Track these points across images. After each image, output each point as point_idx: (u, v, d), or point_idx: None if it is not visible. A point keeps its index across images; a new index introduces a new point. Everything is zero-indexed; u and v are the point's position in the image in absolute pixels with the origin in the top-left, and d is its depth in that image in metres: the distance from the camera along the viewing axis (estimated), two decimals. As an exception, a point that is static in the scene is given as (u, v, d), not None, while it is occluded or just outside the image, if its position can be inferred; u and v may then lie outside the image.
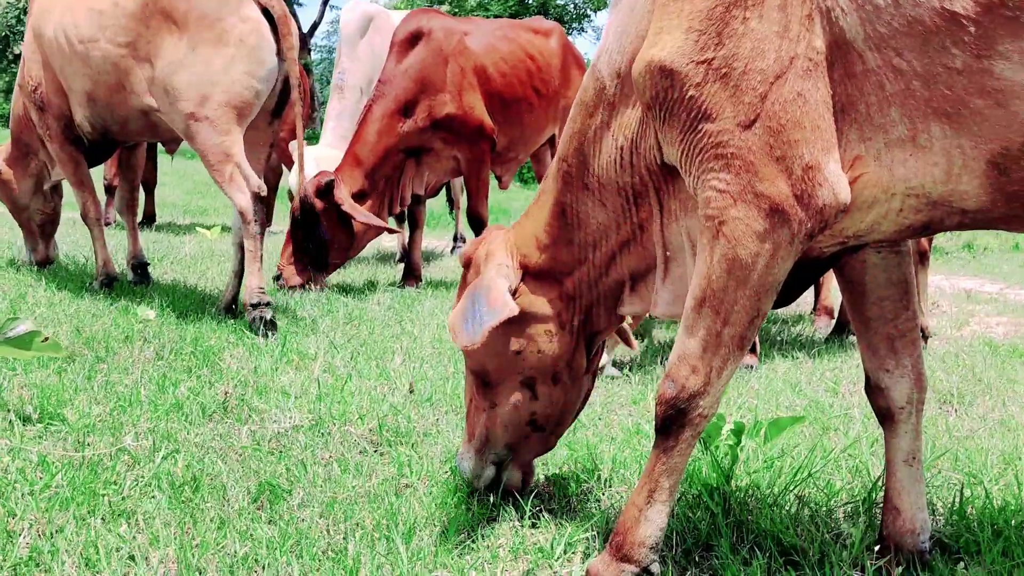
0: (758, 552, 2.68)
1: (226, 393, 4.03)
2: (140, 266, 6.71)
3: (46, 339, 3.57)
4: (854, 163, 2.26)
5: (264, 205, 5.50)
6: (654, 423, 2.50)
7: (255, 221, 5.41)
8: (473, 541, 2.76)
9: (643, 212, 2.65)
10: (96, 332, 4.99)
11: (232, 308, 5.77)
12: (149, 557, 2.62)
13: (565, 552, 2.74)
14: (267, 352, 4.79)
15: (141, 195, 10.24)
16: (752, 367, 5.03)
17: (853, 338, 5.89)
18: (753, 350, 5.14)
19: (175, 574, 2.55)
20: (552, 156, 7.81)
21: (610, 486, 3.25)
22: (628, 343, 3.55)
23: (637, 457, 3.49)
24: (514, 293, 2.76)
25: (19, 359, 3.69)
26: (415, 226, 7.85)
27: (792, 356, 5.49)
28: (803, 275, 2.54)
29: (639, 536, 2.48)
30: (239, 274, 5.76)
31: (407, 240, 8.10)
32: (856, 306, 2.69)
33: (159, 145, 11.97)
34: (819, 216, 2.26)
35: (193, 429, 3.65)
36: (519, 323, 2.76)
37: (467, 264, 2.95)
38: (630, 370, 4.97)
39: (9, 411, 3.61)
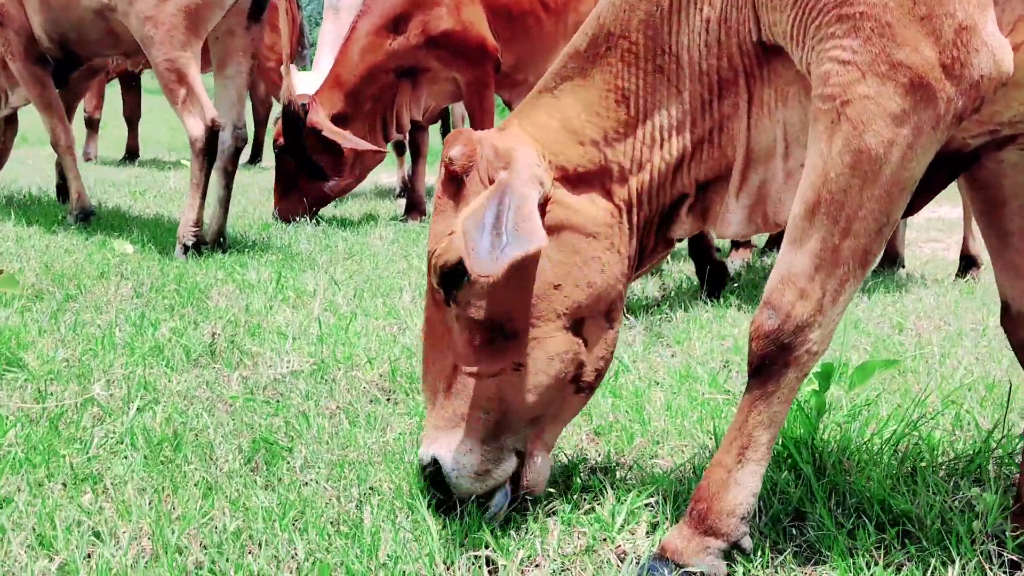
0: (866, 520, 2.19)
1: (214, 334, 3.51)
2: (84, 215, 5.99)
3: (0, 272, 3.03)
4: (1016, 26, 1.76)
5: (243, 141, 5.29)
6: (748, 363, 1.99)
7: (202, 154, 5.07)
8: (515, 509, 2.26)
9: (726, 105, 2.11)
10: (67, 268, 4.46)
11: (220, 241, 5.24)
12: (118, 533, 2.12)
13: (627, 523, 2.24)
14: (260, 289, 4.27)
15: (121, 131, 9.68)
16: None
17: (903, 271, 5.39)
18: None
19: (150, 554, 2.05)
20: None
21: (667, 440, 2.75)
22: None
23: (694, 405, 2.98)
24: (545, 204, 2.10)
25: (-30, 295, 3.14)
26: (417, 156, 7.28)
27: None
28: (936, 176, 2.02)
29: (728, 504, 1.99)
30: (224, 202, 5.24)
31: (408, 171, 7.54)
32: (991, 217, 2.18)
33: (142, 81, 11.35)
34: (973, 92, 1.76)
35: (175, 376, 3.13)
36: (560, 243, 2.13)
37: (465, 169, 2.12)
38: (670, 308, 4.46)
39: (-42, 355, 3.09)
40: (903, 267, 5.83)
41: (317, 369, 3.24)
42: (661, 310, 4.41)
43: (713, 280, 4.74)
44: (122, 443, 2.59)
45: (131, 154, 10.71)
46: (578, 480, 2.46)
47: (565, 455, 2.61)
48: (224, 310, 3.87)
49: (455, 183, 2.15)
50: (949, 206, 9.92)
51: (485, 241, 1.90)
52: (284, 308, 4.02)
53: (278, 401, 2.98)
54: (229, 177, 5.24)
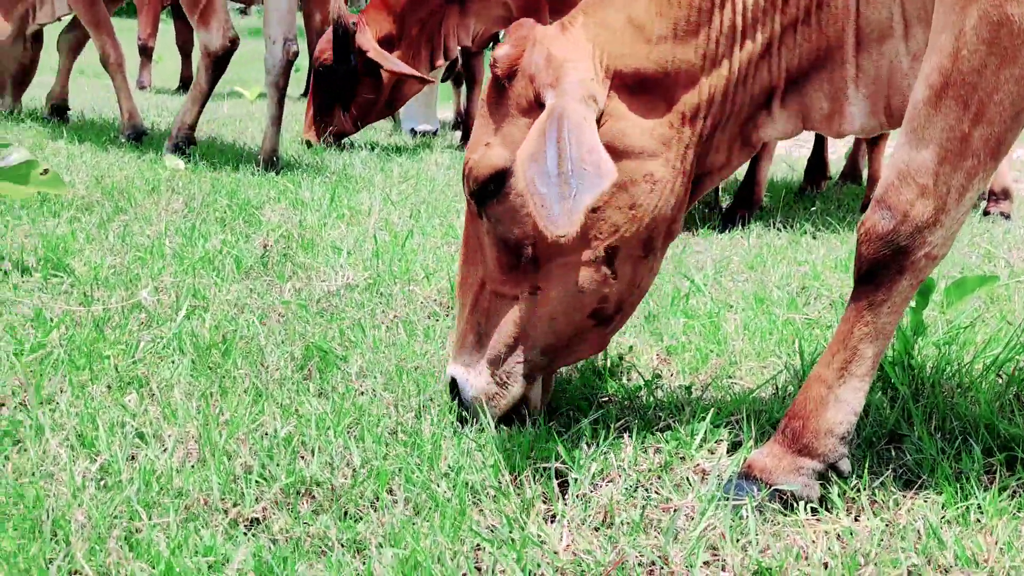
0: (972, 444, 1.99)
1: (265, 247, 3.37)
2: (58, 109, 5.96)
3: (46, 171, 2.91)
4: None
5: (294, 55, 5.12)
6: (855, 268, 1.79)
7: (213, 68, 5.10)
8: (586, 424, 2.10)
9: None
10: (118, 182, 4.34)
11: (273, 160, 5.09)
12: (163, 435, 1.99)
13: (705, 441, 2.07)
14: (313, 207, 4.12)
15: (177, 63, 9.47)
16: None
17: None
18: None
19: (196, 457, 1.92)
20: None
21: (745, 361, 2.57)
22: None
23: (773, 328, 2.79)
24: (599, 119, 1.88)
25: (16, 197, 3.02)
26: (473, 83, 7.03)
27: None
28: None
29: (826, 422, 1.80)
30: (276, 120, 5.09)
31: (464, 101, 7.30)
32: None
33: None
34: None
35: (225, 286, 3.00)
36: None
37: (510, 73, 1.94)
38: (743, 226, 4.23)
39: (3, 260, 2.97)
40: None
41: (372, 283, 3.09)
42: (732, 235, 4.19)
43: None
44: (169, 348, 2.46)
45: (186, 84, 10.57)
46: (651, 398, 2.29)
47: (637, 371, 2.43)
48: (277, 225, 3.72)
49: (498, 88, 1.96)
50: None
51: (554, 192, 1.68)
52: (338, 224, 3.87)
53: (332, 312, 2.84)
54: (281, 93, 5.08)
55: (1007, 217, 4.84)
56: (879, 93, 1.91)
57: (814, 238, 4.19)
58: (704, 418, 2.11)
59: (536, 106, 1.89)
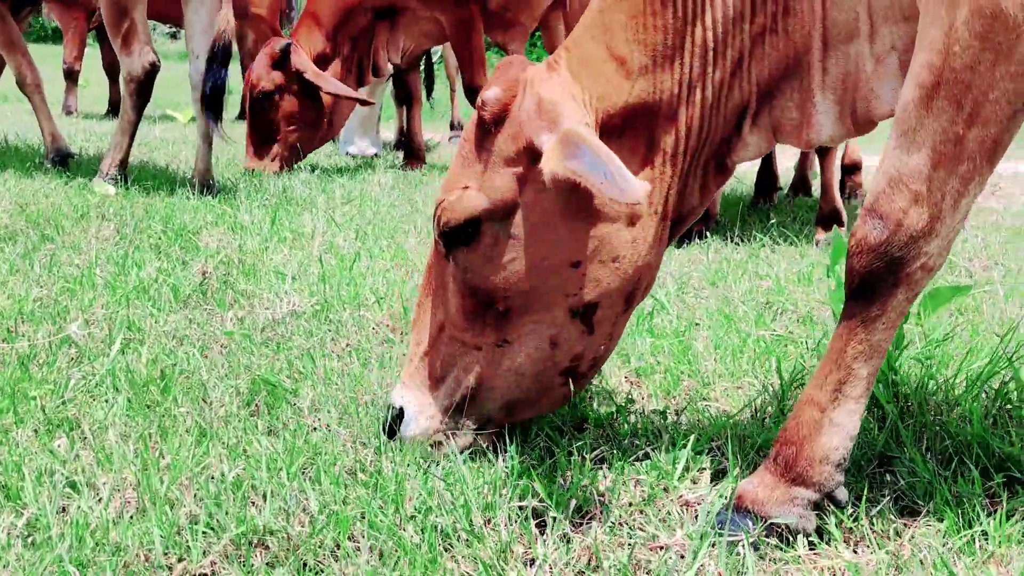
0: (968, 464, 1.89)
1: (204, 274, 3.18)
2: (61, 157, 5.55)
3: (-37, 198, 2.68)
4: None
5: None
6: (846, 283, 1.68)
7: (137, 94, 4.88)
8: (561, 455, 1.95)
9: None
10: (44, 209, 4.11)
11: (208, 182, 4.89)
12: (97, 483, 1.81)
13: (688, 470, 1.94)
14: (253, 231, 3.93)
15: (96, 81, 9.20)
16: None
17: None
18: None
19: (135, 507, 1.74)
20: (563, 22, 6.77)
21: (718, 381, 2.45)
22: None
23: (744, 345, 2.67)
24: None
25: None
26: (412, 100, 6.87)
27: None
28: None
29: (821, 448, 1.68)
30: (207, 137, 4.92)
31: (405, 119, 7.12)
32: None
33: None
34: None
35: (161, 316, 2.80)
36: (589, 213, 1.77)
37: (498, 119, 1.80)
38: (700, 241, 4.13)
39: (-82, 293, 2.75)
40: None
41: (320, 309, 2.92)
42: (690, 250, 4.08)
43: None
44: (102, 385, 2.27)
45: (115, 107, 10.25)
46: (625, 425, 2.15)
47: (608, 395, 2.30)
48: (215, 250, 3.53)
49: (483, 131, 1.83)
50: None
51: (603, 170, 1.58)
52: (281, 248, 3.69)
53: (278, 342, 2.66)
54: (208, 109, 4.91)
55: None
56: (845, 99, 1.81)
57: (772, 251, 4.11)
58: (684, 445, 1.98)
59: (524, 156, 1.78)
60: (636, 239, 1.81)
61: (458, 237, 1.82)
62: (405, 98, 6.94)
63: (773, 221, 4.58)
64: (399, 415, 1.93)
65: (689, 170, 1.86)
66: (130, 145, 5.00)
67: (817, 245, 4.30)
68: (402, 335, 2.77)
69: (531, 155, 1.75)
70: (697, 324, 2.96)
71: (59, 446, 1.93)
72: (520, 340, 1.85)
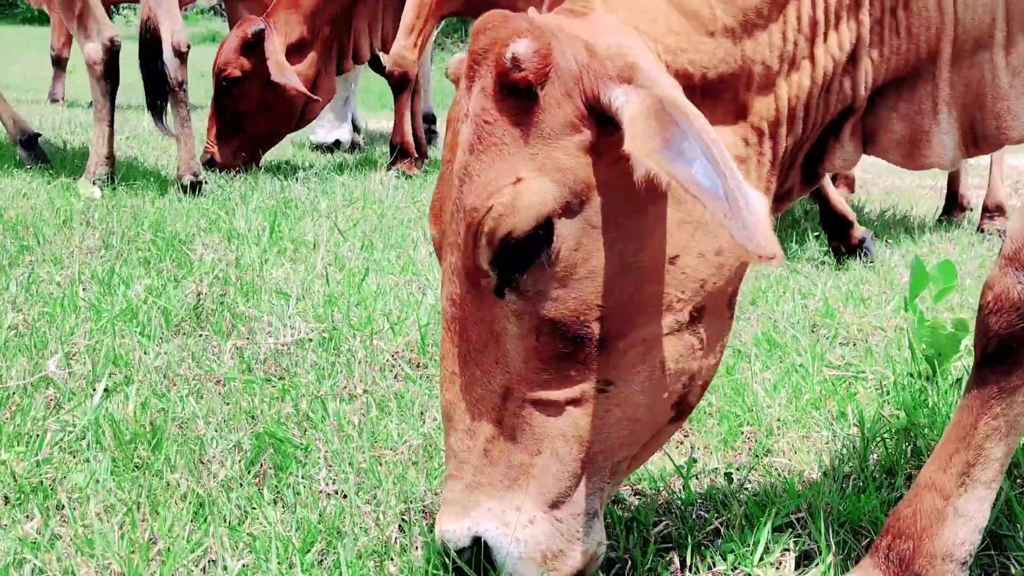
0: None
1: (199, 294, 2.88)
2: (28, 140, 5.24)
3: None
4: None
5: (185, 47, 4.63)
6: (977, 345, 1.39)
7: (103, 78, 4.62)
8: (618, 530, 1.67)
9: None
10: (24, 213, 3.80)
11: (195, 178, 4.57)
12: (77, 574, 1.51)
13: (767, 551, 1.66)
14: (250, 240, 3.63)
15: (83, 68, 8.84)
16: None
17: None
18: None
19: (121, 609, 1.45)
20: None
21: (782, 430, 2.17)
22: None
23: (804, 384, 2.39)
24: None
25: None
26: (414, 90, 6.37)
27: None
28: None
29: (944, 543, 1.41)
30: (186, 121, 4.68)
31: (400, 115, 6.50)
32: None
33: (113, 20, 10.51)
34: None
35: (152, 347, 2.51)
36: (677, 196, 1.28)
37: (523, 83, 1.32)
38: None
39: None
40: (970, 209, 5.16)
41: (328, 338, 2.63)
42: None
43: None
44: (83, 440, 1.97)
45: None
46: (687, 489, 1.87)
47: (662, 450, 2.02)
48: (210, 265, 3.23)
49: (519, 99, 1.32)
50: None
51: (726, 203, 1.18)
52: (281, 261, 3.39)
53: (282, 378, 2.37)
54: (179, 90, 4.66)
55: (1002, 233, 4.54)
56: (970, 116, 1.52)
57: (817, 266, 3.83)
58: (761, 520, 1.70)
59: (589, 119, 1.32)
60: None
61: (523, 253, 1.33)
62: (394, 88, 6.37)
63: (804, 228, 4.30)
64: (475, 546, 1.38)
65: (788, 161, 1.53)
66: (111, 136, 4.67)
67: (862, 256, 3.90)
68: (421, 368, 2.49)
69: (597, 116, 1.32)
70: (741, 352, 2.68)
71: (29, 528, 1.63)
72: (628, 374, 1.38)
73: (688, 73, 1.40)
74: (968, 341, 2.24)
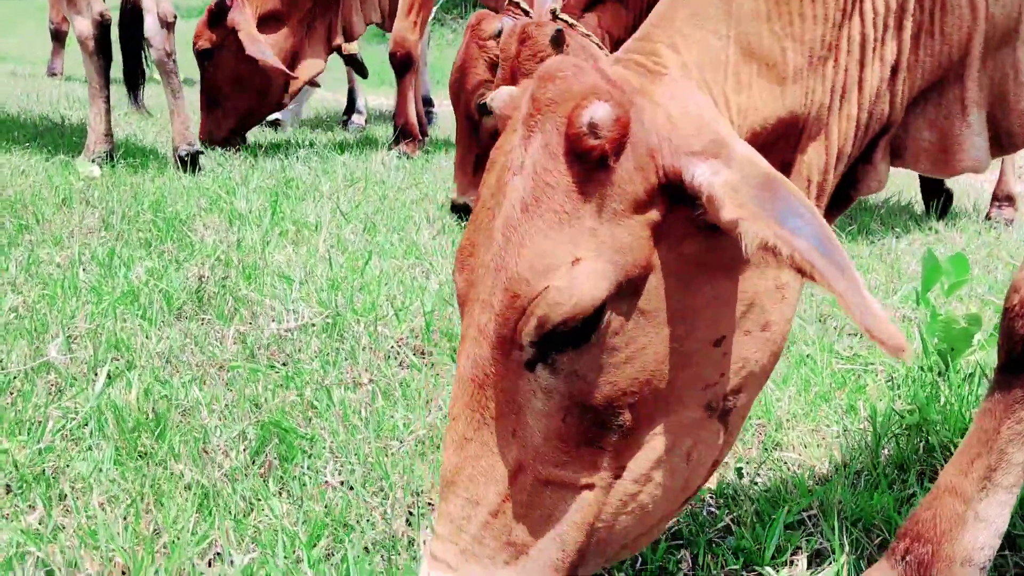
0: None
1: (201, 277, 2.85)
2: None
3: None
4: None
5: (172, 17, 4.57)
6: (1003, 347, 1.37)
7: (96, 53, 4.54)
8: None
9: None
10: (22, 192, 3.75)
11: (190, 150, 4.53)
12: (80, 567, 1.49)
13: (779, 551, 1.64)
14: (252, 221, 3.59)
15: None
16: None
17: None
18: None
19: (125, 604, 1.43)
20: None
21: (793, 423, 2.15)
22: None
23: (816, 375, 2.37)
24: None
25: None
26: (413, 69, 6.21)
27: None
28: None
29: (963, 548, 1.39)
30: (177, 93, 4.62)
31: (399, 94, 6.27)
32: None
33: None
34: None
35: (154, 331, 2.48)
36: (730, 269, 1.24)
37: (618, 144, 1.17)
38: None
39: None
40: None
41: (332, 323, 2.60)
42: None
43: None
44: (85, 427, 1.95)
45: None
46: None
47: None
48: (212, 247, 3.20)
49: (588, 166, 1.17)
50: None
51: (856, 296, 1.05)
52: (283, 244, 3.36)
53: (286, 364, 2.35)
54: (168, 64, 4.61)
55: (1010, 223, 4.51)
56: (999, 115, 1.48)
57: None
58: (773, 518, 1.68)
59: (660, 197, 1.19)
60: (784, 297, 1.29)
61: (569, 335, 1.19)
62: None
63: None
64: None
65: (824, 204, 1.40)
66: (108, 112, 4.60)
67: None
68: (426, 356, 2.46)
69: (671, 193, 1.19)
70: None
71: (30, 523, 1.61)
72: (646, 462, 1.26)
73: (756, 133, 1.28)
74: (980, 336, 2.22)
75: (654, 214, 1.18)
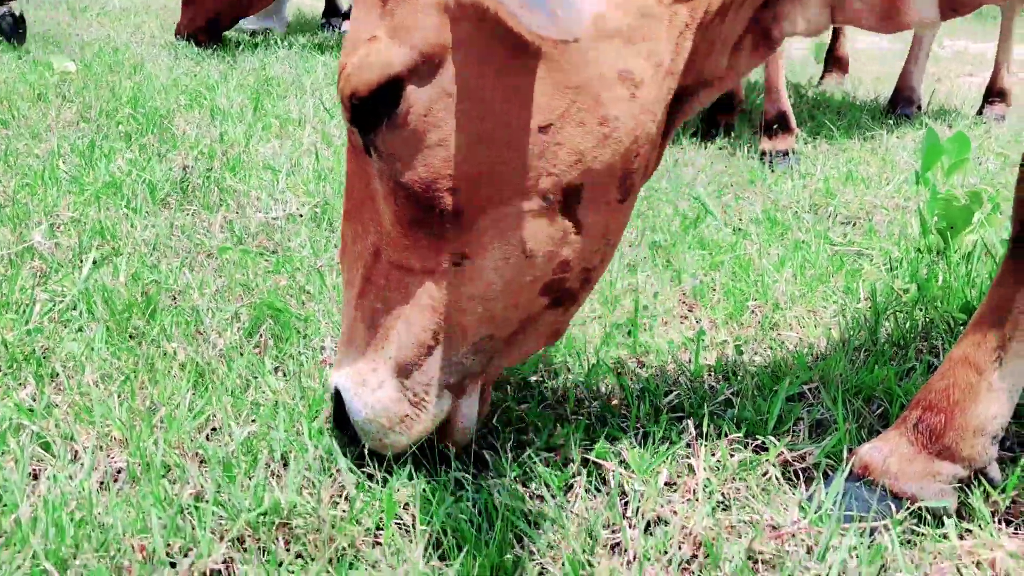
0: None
1: (185, 168, 2.79)
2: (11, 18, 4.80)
3: None
4: None
5: None
6: (1017, 217, 1.35)
7: None
8: (629, 397, 1.64)
9: None
10: (-4, 88, 3.65)
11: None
12: (76, 440, 1.47)
13: (781, 421, 1.63)
14: (235, 117, 3.51)
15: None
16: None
17: (920, 112, 4.70)
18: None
19: (124, 478, 1.41)
20: None
21: (789, 304, 2.13)
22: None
23: (810, 258, 2.36)
24: None
25: None
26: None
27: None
28: None
29: (976, 417, 1.38)
30: None
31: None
32: None
33: None
34: None
35: (139, 219, 2.42)
36: (555, 53, 1.18)
37: None
38: (727, 134, 3.76)
39: None
40: (919, 108, 4.85)
41: (321, 212, 2.55)
42: (720, 147, 3.72)
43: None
44: (75, 309, 1.91)
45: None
46: (696, 361, 1.83)
47: (665, 322, 1.98)
48: (194, 140, 3.13)
49: None
50: (968, 40, 9.29)
51: None
52: (267, 138, 3.28)
53: (276, 253, 2.30)
54: None
55: (1001, 119, 4.48)
56: None
57: (808, 144, 3.76)
58: (773, 390, 1.68)
59: None
60: (634, 96, 1.22)
61: (374, 112, 1.24)
62: None
63: (800, 109, 4.21)
64: (337, 399, 1.40)
65: (717, 24, 1.31)
66: None
67: (763, 157, 3.48)
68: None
69: None
70: (742, 230, 2.63)
71: (24, 396, 1.58)
72: (482, 250, 1.26)
73: None
74: (980, 215, 2.20)
75: None
